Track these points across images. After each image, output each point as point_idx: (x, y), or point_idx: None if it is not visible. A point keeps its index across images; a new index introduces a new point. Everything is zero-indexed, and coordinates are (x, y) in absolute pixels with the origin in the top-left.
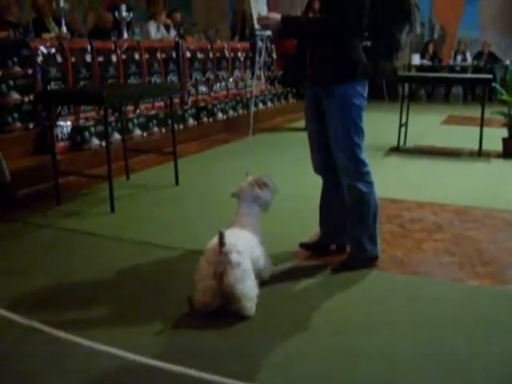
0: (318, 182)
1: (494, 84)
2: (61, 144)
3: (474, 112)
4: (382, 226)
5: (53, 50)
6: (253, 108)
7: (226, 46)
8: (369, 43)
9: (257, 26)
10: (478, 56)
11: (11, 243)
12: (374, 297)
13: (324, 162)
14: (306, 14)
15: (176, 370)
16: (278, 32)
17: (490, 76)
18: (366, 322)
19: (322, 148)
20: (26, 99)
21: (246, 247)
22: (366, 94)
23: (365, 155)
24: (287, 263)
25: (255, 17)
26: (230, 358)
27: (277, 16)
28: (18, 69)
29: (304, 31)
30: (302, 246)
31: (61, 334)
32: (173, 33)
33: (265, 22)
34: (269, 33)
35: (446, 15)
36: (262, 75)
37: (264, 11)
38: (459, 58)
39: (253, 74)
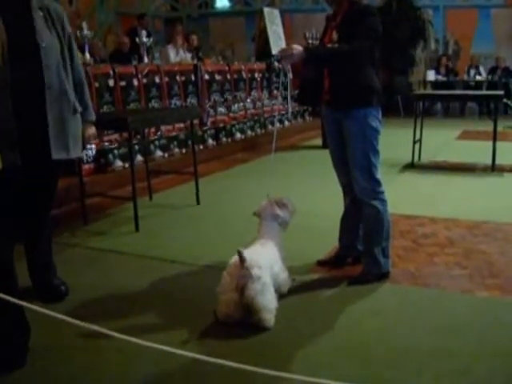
0: (333, 200)
1: (505, 100)
2: (86, 166)
3: (489, 127)
4: (395, 241)
5: None
6: (276, 126)
7: (243, 67)
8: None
9: (276, 54)
10: (492, 71)
11: None
12: (387, 308)
13: (350, 181)
14: (321, 41)
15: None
16: (300, 62)
17: (501, 92)
18: (379, 332)
19: (347, 171)
20: None
21: (266, 263)
22: (380, 118)
23: (379, 175)
24: (305, 277)
25: (274, 49)
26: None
27: (299, 47)
28: None
29: (325, 60)
30: (320, 263)
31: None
32: (190, 55)
33: (289, 53)
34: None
35: (459, 31)
36: (283, 97)
37: (280, 32)
38: (473, 72)
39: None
